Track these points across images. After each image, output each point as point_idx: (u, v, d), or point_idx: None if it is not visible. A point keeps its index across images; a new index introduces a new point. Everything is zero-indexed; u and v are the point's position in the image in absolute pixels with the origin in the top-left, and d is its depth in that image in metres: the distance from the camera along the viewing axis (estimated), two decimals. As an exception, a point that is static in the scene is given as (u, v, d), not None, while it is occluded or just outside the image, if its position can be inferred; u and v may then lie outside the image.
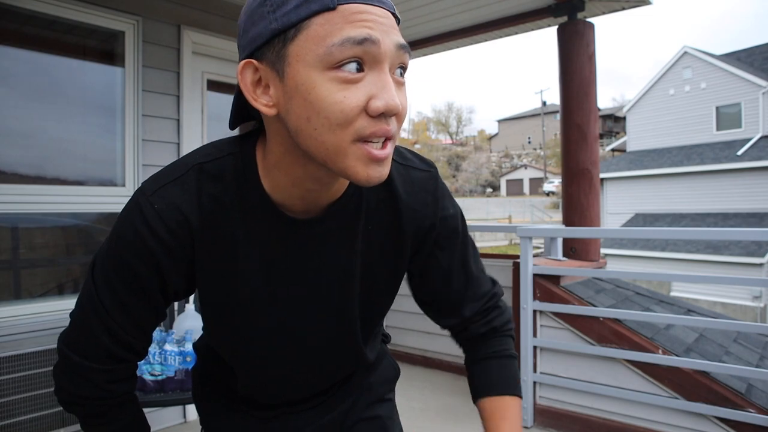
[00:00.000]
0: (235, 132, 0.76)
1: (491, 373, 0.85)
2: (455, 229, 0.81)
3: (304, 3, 0.56)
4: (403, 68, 0.61)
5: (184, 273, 0.70)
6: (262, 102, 0.61)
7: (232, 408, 0.88)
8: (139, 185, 0.69)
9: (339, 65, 0.55)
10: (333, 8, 0.55)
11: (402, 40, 0.59)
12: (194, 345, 0.95)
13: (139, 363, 0.86)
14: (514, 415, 0.81)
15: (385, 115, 0.57)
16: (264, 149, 0.68)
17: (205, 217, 0.67)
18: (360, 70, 0.56)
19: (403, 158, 0.78)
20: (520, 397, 0.85)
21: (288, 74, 0.57)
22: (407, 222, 0.76)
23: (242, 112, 0.71)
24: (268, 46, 0.58)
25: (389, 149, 0.60)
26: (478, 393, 0.86)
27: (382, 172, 0.60)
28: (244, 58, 0.61)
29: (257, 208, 0.68)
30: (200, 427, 0.93)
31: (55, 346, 0.76)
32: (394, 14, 0.60)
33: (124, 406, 0.78)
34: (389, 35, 0.57)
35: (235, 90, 0.67)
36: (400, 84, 0.60)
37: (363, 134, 0.57)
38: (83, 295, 0.72)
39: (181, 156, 0.85)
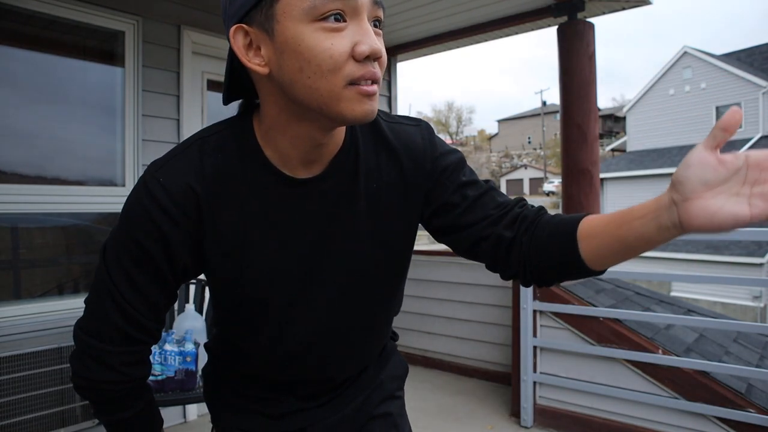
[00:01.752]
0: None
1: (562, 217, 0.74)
2: (460, 161, 0.81)
3: None
4: (379, 21, 0.66)
5: (192, 246, 0.72)
6: (255, 62, 0.65)
7: (243, 406, 0.88)
8: (146, 168, 0.72)
9: (323, 17, 0.61)
10: None
11: None
12: (206, 345, 0.96)
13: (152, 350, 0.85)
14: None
15: (369, 58, 0.62)
16: (260, 117, 0.72)
17: (209, 186, 0.70)
18: (343, 20, 0.61)
19: (391, 117, 0.82)
20: None
21: (277, 31, 0.62)
22: (409, 171, 0.78)
23: (234, 87, 0.74)
24: (256, 9, 0.63)
25: (376, 87, 0.65)
26: (569, 224, 0.70)
27: (374, 106, 0.65)
28: (234, 25, 0.65)
29: (259, 172, 0.71)
30: (203, 426, 0.93)
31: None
32: None
33: (139, 393, 0.79)
34: None
35: (226, 66, 0.71)
36: (378, 34, 0.66)
37: (353, 77, 0.62)
38: (96, 279, 0.74)
39: None
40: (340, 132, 0.74)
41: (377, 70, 0.64)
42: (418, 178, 0.78)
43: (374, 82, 0.64)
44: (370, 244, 0.77)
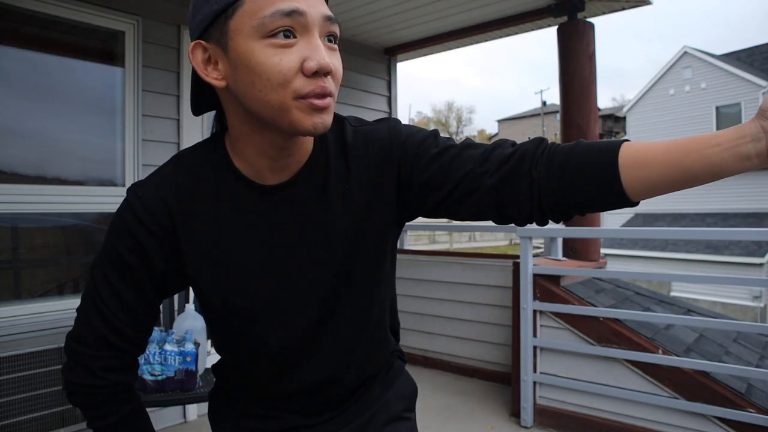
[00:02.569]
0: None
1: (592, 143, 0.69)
2: (428, 137, 0.77)
3: None
4: (334, 37, 0.68)
5: (168, 256, 0.76)
6: (212, 76, 0.68)
7: (244, 426, 0.89)
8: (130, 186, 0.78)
9: (272, 34, 0.63)
10: None
11: (328, 12, 0.67)
12: (212, 367, 0.96)
13: (138, 362, 0.86)
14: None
15: (318, 73, 0.64)
16: (228, 130, 0.76)
17: (183, 198, 0.75)
18: (293, 36, 0.64)
19: (360, 122, 0.82)
20: None
21: (231, 47, 0.65)
22: (378, 166, 0.77)
23: (201, 97, 0.78)
24: (212, 26, 0.66)
25: (329, 101, 0.66)
26: (605, 153, 0.66)
27: (325, 119, 0.66)
28: (193, 41, 0.69)
29: (230, 182, 0.75)
30: (203, 426, 0.93)
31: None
32: None
33: (123, 399, 0.81)
34: (316, 7, 0.65)
35: (191, 79, 0.76)
36: (332, 49, 0.68)
37: (302, 92, 0.64)
38: (84, 292, 0.79)
39: None
40: (308, 138, 0.75)
41: (328, 84, 0.65)
42: (389, 170, 0.77)
43: (327, 95, 0.65)
44: (346, 244, 0.77)
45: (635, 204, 0.67)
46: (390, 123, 0.80)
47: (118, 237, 0.74)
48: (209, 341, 2.28)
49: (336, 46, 0.69)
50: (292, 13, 0.62)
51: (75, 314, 0.80)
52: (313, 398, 0.86)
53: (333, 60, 0.66)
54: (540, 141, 0.71)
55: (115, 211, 0.77)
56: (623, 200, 0.66)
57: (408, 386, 0.98)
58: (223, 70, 0.67)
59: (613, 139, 0.71)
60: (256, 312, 0.78)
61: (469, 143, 0.76)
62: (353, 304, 0.82)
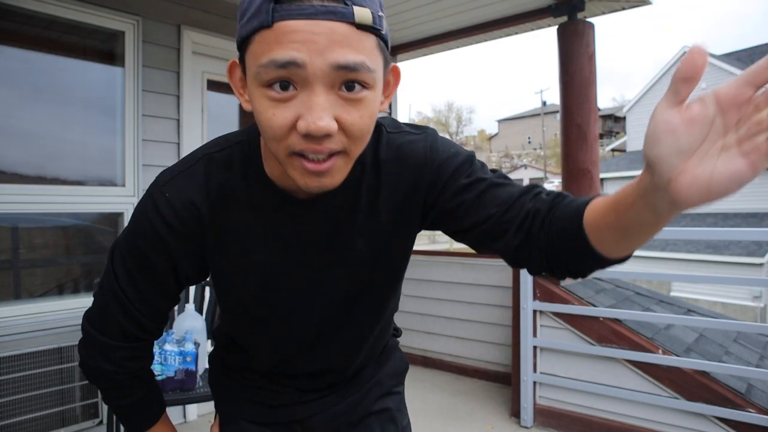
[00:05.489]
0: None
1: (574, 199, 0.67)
2: (463, 163, 0.74)
3: (250, 19, 0.57)
4: (354, 82, 0.57)
5: (194, 258, 0.75)
6: (244, 98, 0.66)
7: (243, 395, 0.92)
8: (155, 178, 0.74)
9: (269, 84, 0.57)
10: (269, 26, 0.55)
11: (344, 60, 0.55)
12: (213, 333, 1.00)
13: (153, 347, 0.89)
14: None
15: (311, 135, 0.56)
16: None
17: (213, 203, 0.72)
18: (293, 88, 0.57)
19: (396, 127, 0.77)
20: None
21: (247, 81, 0.62)
22: (409, 183, 0.75)
23: None
24: (241, 52, 0.62)
25: (331, 163, 0.60)
26: (576, 214, 0.63)
27: (322, 182, 0.61)
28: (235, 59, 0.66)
29: (262, 191, 0.72)
30: (203, 426, 0.96)
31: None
32: (354, 23, 0.56)
33: (141, 382, 0.86)
34: (324, 55, 0.55)
35: None
36: (348, 100, 0.58)
37: (295, 150, 0.59)
38: (103, 278, 0.78)
39: (181, 156, 0.88)
40: None
41: (328, 145, 0.58)
42: (418, 191, 0.75)
43: (328, 157, 0.59)
44: (369, 260, 0.78)
45: (623, 261, 0.64)
46: (428, 139, 0.76)
47: (143, 236, 0.72)
48: (209, 341, 2.28)
49: (359, 96, 0.58)
50: (287, 65, 0.55)
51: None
52: (315, 380, 0.89)
53: (345, 114, 0.58)
54: (553, 198, 0.68)
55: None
56: (606, 262, 0.63)
57: (400, 364, 1.02)
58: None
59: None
60: (273, 316, 0.81)
61: (498, 181, 0.73)
62: (368, 311, 0.84)
